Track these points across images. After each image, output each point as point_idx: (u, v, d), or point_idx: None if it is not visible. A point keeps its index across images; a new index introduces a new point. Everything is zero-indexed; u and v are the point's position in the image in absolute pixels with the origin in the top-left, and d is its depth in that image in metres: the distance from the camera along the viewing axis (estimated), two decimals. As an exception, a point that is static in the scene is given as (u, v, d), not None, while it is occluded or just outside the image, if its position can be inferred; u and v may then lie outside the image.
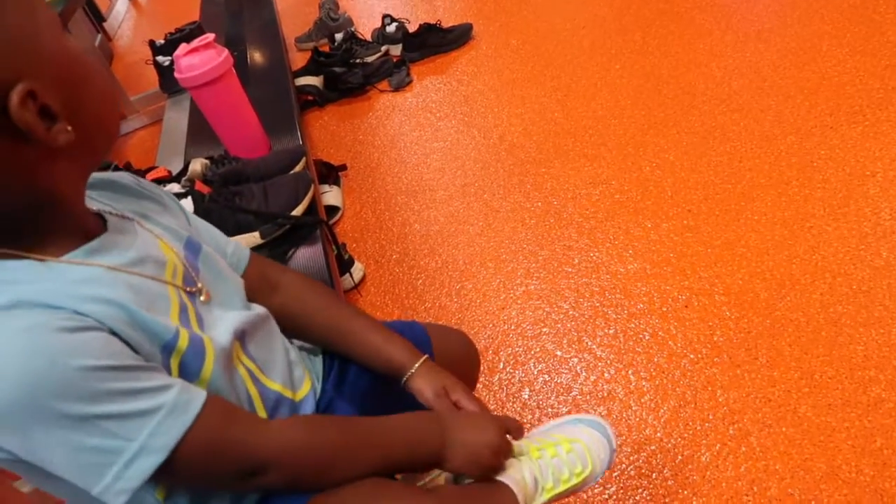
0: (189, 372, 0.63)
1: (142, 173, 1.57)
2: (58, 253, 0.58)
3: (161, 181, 1.30)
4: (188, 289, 0.69)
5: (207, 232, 0.84)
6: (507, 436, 0.81)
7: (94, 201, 0.67)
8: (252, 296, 0.82)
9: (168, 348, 0.61)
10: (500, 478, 0.79)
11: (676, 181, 1.84)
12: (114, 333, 0.55)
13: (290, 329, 0.88)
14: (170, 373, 0.61)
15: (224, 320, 0.72)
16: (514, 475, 0.80)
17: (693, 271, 1.57)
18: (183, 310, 0.66)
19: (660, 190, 1.83)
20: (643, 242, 1.68)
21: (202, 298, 0.71)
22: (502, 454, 0.79)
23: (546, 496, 0.83)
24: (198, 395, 0.59)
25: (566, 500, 1.19)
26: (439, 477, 0.85)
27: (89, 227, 0.63)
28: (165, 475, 0.57)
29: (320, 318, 0.89)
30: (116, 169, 1.61)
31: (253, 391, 0.72)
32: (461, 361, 1.01)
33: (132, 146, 2.81)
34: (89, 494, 0.62)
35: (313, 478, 0.67)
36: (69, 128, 0.55)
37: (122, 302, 0.57)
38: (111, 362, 0.53)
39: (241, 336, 0.74)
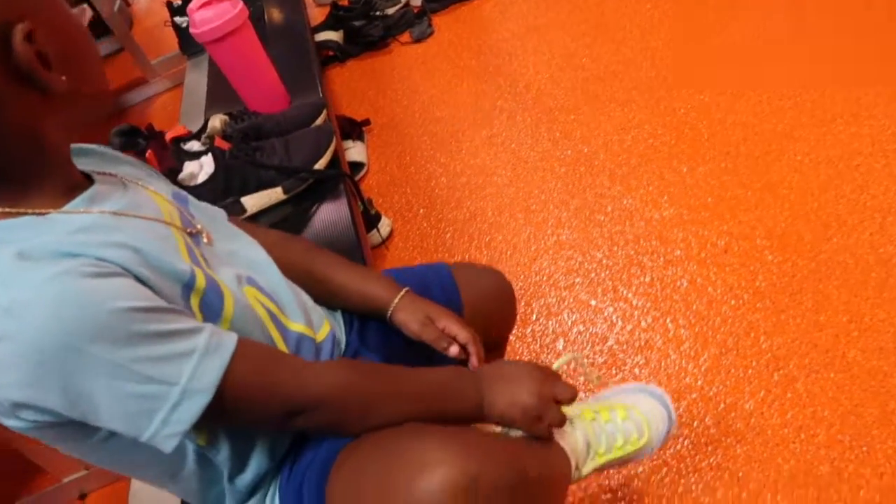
0: (211, 312, 0.62)
1: (162, 134, 1.55)
2: (55, 206, 0.58)
3: (181, 139, 1.28)
4: (189, 230, 0.69)
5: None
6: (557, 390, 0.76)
7: (76, 162, 0.66)
8: None
9: (188, 288, 0.60)
10: (557, 438, 0.77)
11: (712, 123, 1.76)
12: (136, 278, 0.55)
13: None
14: (192, 315, 0.60)
15: (231, 263, 0.71)
16: (568, 438, 0.78)
17: (732, 215, 1.50)
18: (190, 251, 0.65)
19: (695, 133, 1.75)
20: (679, 187, 1.61)
21: (205, 241, 0.71)
22: (546, 401, 0.74)
23: (599, 461, 0.80)
24: (229, 337, 0.58)
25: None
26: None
27: (79, 182, 0.63)
28: (213, 417, 0.56)
29: (299, 267, 0.86)
30: (136, 132, 1.59)
31: (275, 334, 0.71)
32: (495, 302, 0.97)
33: (155, 110, 2.80)
34: (124, 456, 0.62)
35: (356, 420, 0.66)
36: (63, 77, 0.57)
37: (135, 245, 0.57)
38: (142, 304, 0.52)
39: (253, 280, 0.72)
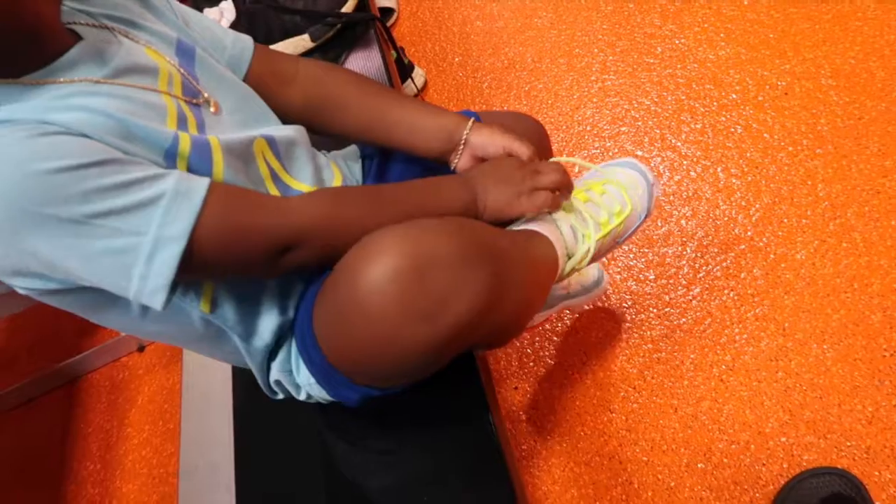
0: (198, 175, 0.58)
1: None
2: (35, 72, 0.54)
3: (198, -16, 1.19)
4: (192, 100, 0.64)
5: (200, 24, 0.75)
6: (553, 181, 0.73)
7: (66, 11, 0.60)
8: (266, 94, 0.75)
9: (171, 155, 0.57)
10: (535, 228, 0.73)
11: (781, -53, 1.57)
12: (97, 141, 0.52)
13: (319, 124, 0.80)
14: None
15: (239, 128, 0.67)
16: (549, 229, 0.74)
17: (796, 53, 1.38)
18: (181, 118, 0.61)
19: (760, -41, 1.57)
20: (738, 23, 1.47)
21: (212, 110, 0.66)
22: (539, 188, 0.72)
23: (588, 242, 0.76)
24: (200, 181, 0.55)
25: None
26: None
27: (65, 44, 0.57)
28: (198, 267, 0.55)
29: (350, 101, 0.79)
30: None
31: (274, 191, 0.68)
32: None
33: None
34: (139, 324, 0.63)
35: (345, 247, 0.61)
36: None
37: (108, 111, 0.53)
38: (86, 160, 0.49)
39: (266, 134, 0.68)
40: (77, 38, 0.58)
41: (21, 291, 0.56)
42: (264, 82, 0.77)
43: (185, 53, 0.67)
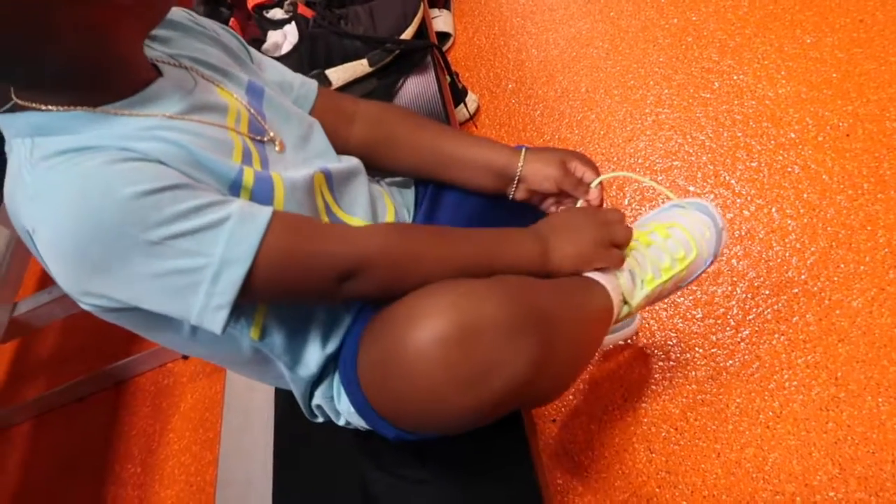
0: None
1: (245, 2, 1.50)
2: (112, 103, 0.57)
3: (263, 7, 1.23)
4: (257, 138, 0.66)
5: (272, 68, 0.80)
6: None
7: (148, 48, 0.63)
8: (329, 132, 0.78)
9: (236, 186, 0.59)
10: (593, 276, 0.73)
11: (847, -15, 1.54)
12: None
13: (376, 161, 0.83)
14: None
15: (301, 166, 0.68)
16: (608, 274, 0.74)
17: (860, 94, 1.34)
18: (246, 154, 0.63)
19: (825, -3, 1.54)
20: (800, 61, 1.44)
21: (277, 149, 0.68)
22: (612, 243, 0.73)
23: (648, 288, 0.75)
24: (263, 208, 0.57)
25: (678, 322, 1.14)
26: None
27: (147, 78, 0.60)
28: (261, 290, 0.56)
29: (404, 140, 0.82)
30: (220, 0, 1.54)
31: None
32: None
33: (237, -23, 2.73)
34: (189, 347, 0.64)
35: (409, 281, 0.62)
36: None
37: (181, 143, 0.56)
38: (160, 184, 0.51)
39: (324, 168, 0.70)
40: (158, 73, 0.61)
41: (84, 307, 0.58)
42: (326, 121, 0.80)
43: (255, 93, 0.70)
